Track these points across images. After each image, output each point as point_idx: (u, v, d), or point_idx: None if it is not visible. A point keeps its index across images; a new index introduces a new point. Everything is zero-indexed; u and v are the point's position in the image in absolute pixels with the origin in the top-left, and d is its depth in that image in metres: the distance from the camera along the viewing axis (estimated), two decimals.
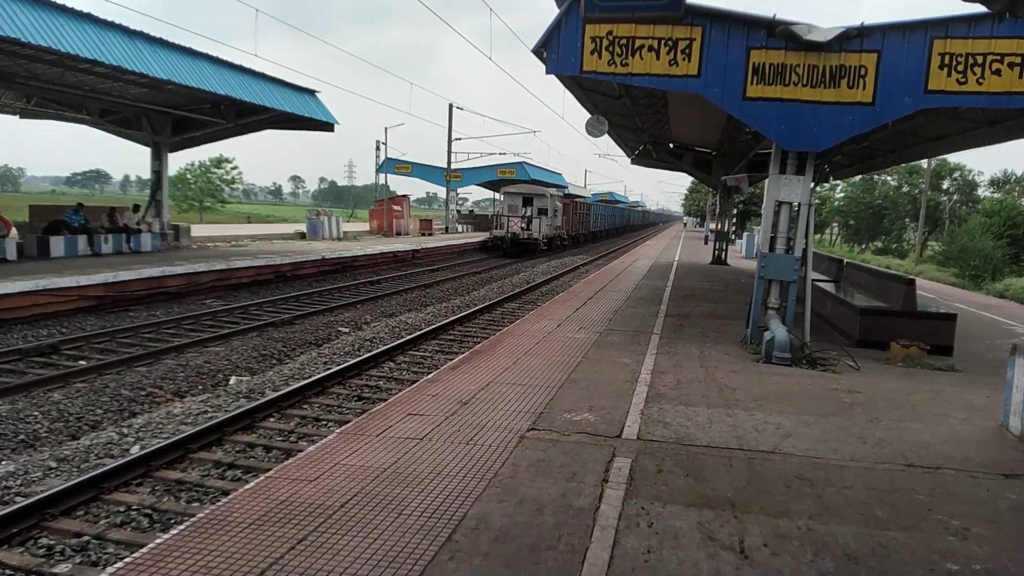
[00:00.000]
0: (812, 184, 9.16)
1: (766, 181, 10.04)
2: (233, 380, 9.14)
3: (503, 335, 10.02)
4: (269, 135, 24.63)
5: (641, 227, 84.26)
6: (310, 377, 8.93)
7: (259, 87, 18.78)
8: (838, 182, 59.52)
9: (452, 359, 9.20)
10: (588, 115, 13.69)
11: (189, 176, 66.78)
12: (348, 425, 5.78)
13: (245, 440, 6.80)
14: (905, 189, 60.53)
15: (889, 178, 61.38)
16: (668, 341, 9.82)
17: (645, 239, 56.26)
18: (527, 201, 33.17)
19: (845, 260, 16.40)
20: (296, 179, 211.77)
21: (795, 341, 8.77)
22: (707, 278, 20.14)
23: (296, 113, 20.03)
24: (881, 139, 12.60)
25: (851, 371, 8.43)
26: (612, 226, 57.26)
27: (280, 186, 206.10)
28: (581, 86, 13.24)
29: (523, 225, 31.39)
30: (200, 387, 8.79)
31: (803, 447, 5.49)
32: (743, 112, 8.69)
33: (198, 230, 28.98)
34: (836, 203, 66.83)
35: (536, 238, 31.29)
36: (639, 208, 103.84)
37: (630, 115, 17.40)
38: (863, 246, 65.30)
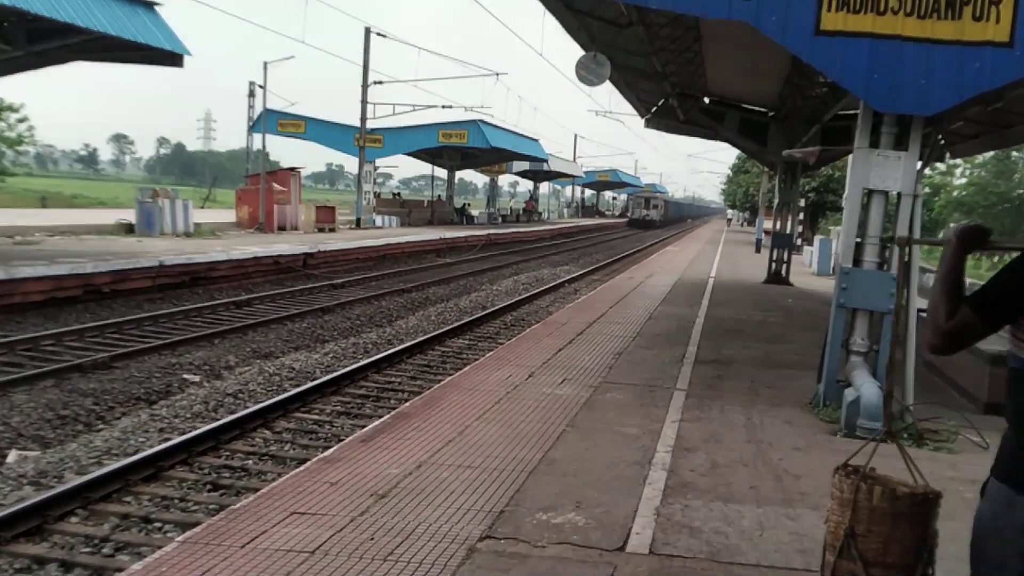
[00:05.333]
0: (919, 164, 9.36)
1: (849, 158, 10.24)
2: (13, 456, 8.98)
3: (444, 389, 10.03)
4: (81, 70, 24.30)
5: (686, 218, 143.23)
6: (137, 453, 8.78)
7: None
8: (958, 161, 61.05)
9: (363, 426, 9.15)
10: (582, 52, 13.86)
11: None
12: (196, 530, 5.71)
13: (31, 552, 6.66)
14: None
15: None
16: (699, 401, 9.91)
17: (667, 241, 56.90)
18: (647, 200, 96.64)
19: (968, 280, 16.75)
20: (121, 140, 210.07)
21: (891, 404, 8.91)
22: (759, 304, 20.46)
23: (124, 37, 19.80)
24: (1023, 98, 12.99)
25: (976, 450, 8.57)
26: (676, 215, 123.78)
27: (96, 150, 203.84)
28: (570, 7, 13.42)
29: (647, 213, 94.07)
30: None
31: None
32: (815, 53, 8.87)
33: None
34: (956, 193, 68.42)
35: (654, 219, 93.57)
36: (681, 201, 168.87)
37: (644, 53, 17.67)
38: (996, 258, 66.86)
